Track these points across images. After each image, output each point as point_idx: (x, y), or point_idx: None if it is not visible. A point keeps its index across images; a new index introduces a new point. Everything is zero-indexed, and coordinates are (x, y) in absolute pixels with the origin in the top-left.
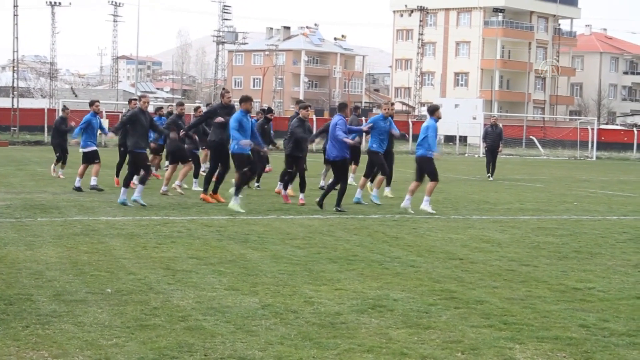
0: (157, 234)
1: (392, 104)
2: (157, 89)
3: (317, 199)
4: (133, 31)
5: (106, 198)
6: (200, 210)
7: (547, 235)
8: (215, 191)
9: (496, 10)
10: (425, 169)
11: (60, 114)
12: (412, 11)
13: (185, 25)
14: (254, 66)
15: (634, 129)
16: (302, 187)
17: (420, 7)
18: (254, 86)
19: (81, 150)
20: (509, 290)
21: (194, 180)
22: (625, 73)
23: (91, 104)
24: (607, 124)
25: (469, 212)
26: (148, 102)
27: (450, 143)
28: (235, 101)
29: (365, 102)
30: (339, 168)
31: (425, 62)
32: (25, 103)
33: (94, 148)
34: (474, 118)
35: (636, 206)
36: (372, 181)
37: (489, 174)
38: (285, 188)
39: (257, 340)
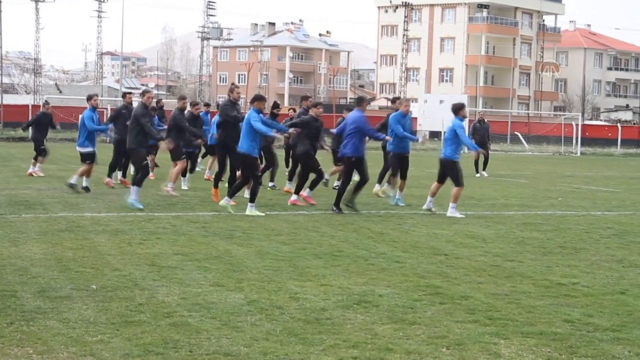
0: (142, 230)
1: (408, 100)
2: (142, 85)
3: (346, 203)
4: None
5: (91, 194)
6: (186, 207)
7: (531, 230)
8: (215, 186)
9: (480, 6)
10: (449, 172)
11: (41, 109)
12: (396, 7)
13: (169, 21)
14: (238, 62)
15: (618, 124)
16: (302, 186)
17: (405, 3)
18: (238, 82)
19: (80, 150)
20: (494, 285)
21: (182, 178)
22: (609, 69)
23: (89, 98)
24: (591, 119)
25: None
26: (152, 98)
27: (435, 139)
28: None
29: (350, 98)
30: (355, 166)
31: (410, 58)
32: (10, 99)
33: (91, 150)
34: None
35: (620, 202)
36: (379, 182)
37: (478, 172)
38: (299, 189)
39: (243, 336)
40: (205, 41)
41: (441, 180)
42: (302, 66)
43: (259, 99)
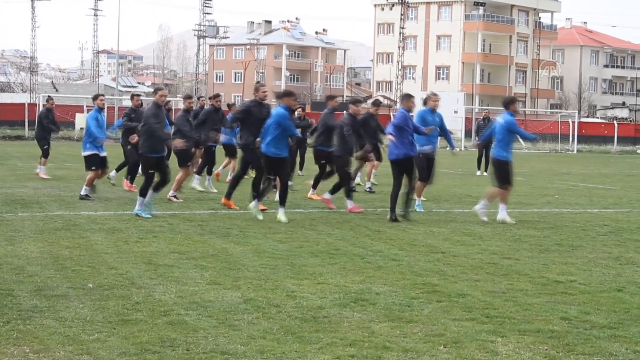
0: (138, 229)
1: (436, 94)
2: (139, 83)
3: (400, 212)
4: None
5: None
6: (182, 205)
7: (528, 228)
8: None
9: (477, 3)
10: (496, 172)
11: (46, 105)
12: (393, 5)
13: (166, 20)
14: (235, 60)
15: (615, 122)
16: (337, 189)
17: (401, 0)
18: (235, 80)
19: (85, 154)
20: (491, 283)
21: (196, 176)
22: (606, 66)
23: (95, 97)
24: (587, 117)
25: (450, 206)
26: (165, 96)
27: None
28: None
29: (346, 96)
30: (405, 168)
31: (406, 56)
32: (6, 97)
33: (96, 152)
34: (456, 112)
35: (617, 199)
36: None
37: (480, 170)
38: (333, 192)
39: (240, 334)
40: (201, 39)
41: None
42: (299, 64)
43: (288, 94)
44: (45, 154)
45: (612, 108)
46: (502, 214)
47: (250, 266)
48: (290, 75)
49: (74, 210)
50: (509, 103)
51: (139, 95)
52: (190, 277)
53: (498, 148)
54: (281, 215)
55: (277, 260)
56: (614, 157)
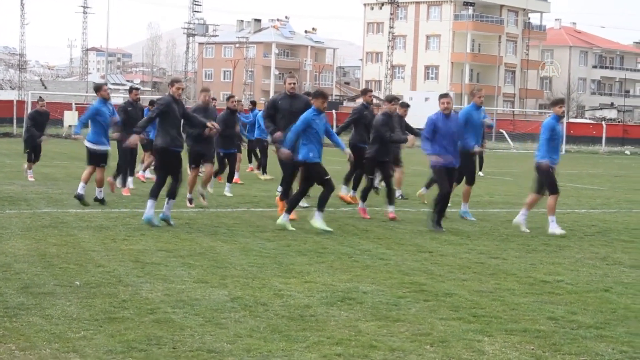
0: (126, 227)
1: (481, 89)
2: (127, 81)
3: (434, 221)
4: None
5: (75, 190)
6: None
7: (516, 228)
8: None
9: (466, 3)
10: (543, 178)
11: (36, 107)
12: (382, 4)
13: (155, 18)
14: (224, 59)
15: (603, 122)
16: (390, 197)
17: (391, 0)
18: (224, 79)
19: (89, 146)
20: (478, 282)
21: (228, 184)
22: (595, 67)
23: (97, 88)
24: (576, 117)
25: None
26: (182, 89)
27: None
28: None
29: (335, 95)
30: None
31: (395, 56)
32: None
33: (106, 148)
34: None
35: (604, 199)
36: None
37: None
38: (364, 199)
39: (226, 333)
40: (190, 37)
41: (539, 190)
42: (288, 63)
43: (316, 95)
44: (28, 158)
45: (601, 109)
46: (553, 226)
47: (237, 264)
48: (280, 73)
49: (62, 207)
50: (551, 104)
51: (137, 89)
52: (178, 275)
53: (543, 153)
54: (318, 221)
55: (264, 258)
56: (602, 158)
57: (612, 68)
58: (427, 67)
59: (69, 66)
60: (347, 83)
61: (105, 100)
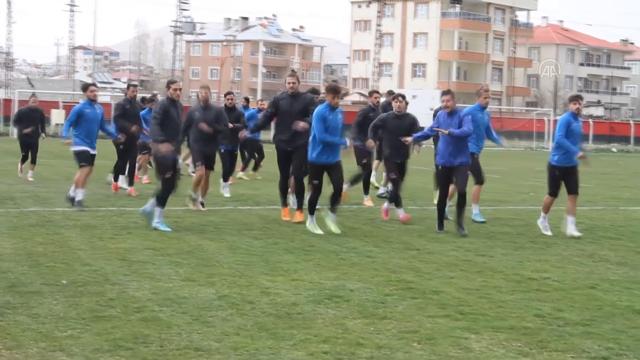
0: (113, 225)
1: (488, 90)
2: (115, 79)
3: (461, 230)
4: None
5: (62, 189)
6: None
7: (503, 225)
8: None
9: (453, 1)
10: (549, 179)
11: (29, 104)
12: (369, 2)
13: (142, 16)
14: (211, 57)
15: (590, 120)
16: (398, 200)
17: None
18: (211, 77)
19: (73, 149)
20: (465, 280)
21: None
22: (582, 64)
23: (84, 88)
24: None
25: (425, 203)
26: (181, 90)
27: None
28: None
29: (322, 93)
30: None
31: (383, 53)
32: None
33: (84, 148)
34: (432, 109)
35: (591, 197)
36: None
37: None
38: (397, 204)
39: (213, 331)
40: (178, 36)
41: (554, 192)
42: (275, 61)
43: (328, 90)
44: (23, 159)
45: (588, 106)
46: (571, 227)
47: (225, 263)
48: (267, 71)
49: (49, 206)
50: (568, 101)
51: (135, 86)
52: (165, 274)
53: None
54: (331, 223)
55: (251, 256)
56: (589, 155)
57: (599, 66)
58: (414, 65)
59: (56, 64)
60: (335, 81)
61: (91, 101)
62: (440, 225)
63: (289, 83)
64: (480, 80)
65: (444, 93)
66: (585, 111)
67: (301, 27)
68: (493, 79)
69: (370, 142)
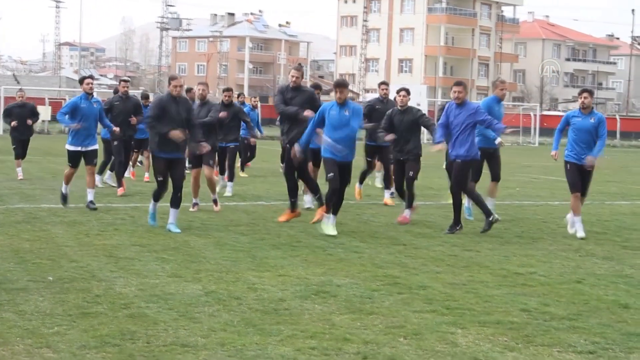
0: (100, 221)
1: (504, 81)
2: (101, 75)
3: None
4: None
5: (48, 185)
6: (144, 198)
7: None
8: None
9: None
10: (587, 179)
11: (17, 100)
12: None
13: (129, 12)
14: (198, 53)
15: None
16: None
17: None
18: (198, 72)
19: (67, 147)
20: (452, 275)
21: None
22: (568, 60)
23: (80, 81)
24: (549, 110)
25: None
26: (182, 87)
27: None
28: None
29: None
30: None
31: (369, 49)
32: None
33: (75, 149)
34: (418, 104)
35: None
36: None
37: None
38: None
39: (200, 327)
40: (164, 32)
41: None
42: (262, 57)
43: (335, 85)
44: (16, 155)
45: (574, 101)
46: (580, 227)
47: (211, 259)
48: (254, 67)
49: (35, 203)
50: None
51: (127, 81)
52: (151, 270)
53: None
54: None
55: (238, 252)
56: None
57: (584, 61)
58: (401, 60)
59: (42, 61)
60: (322, 77)
61: (87, 94)
62: (453, 224)
63: (292, 76)
64: (466, 75)
65: (456, 84)
66: (571, 106)
67: (287, 22)
68: (479, 74)
69: (390, 136)
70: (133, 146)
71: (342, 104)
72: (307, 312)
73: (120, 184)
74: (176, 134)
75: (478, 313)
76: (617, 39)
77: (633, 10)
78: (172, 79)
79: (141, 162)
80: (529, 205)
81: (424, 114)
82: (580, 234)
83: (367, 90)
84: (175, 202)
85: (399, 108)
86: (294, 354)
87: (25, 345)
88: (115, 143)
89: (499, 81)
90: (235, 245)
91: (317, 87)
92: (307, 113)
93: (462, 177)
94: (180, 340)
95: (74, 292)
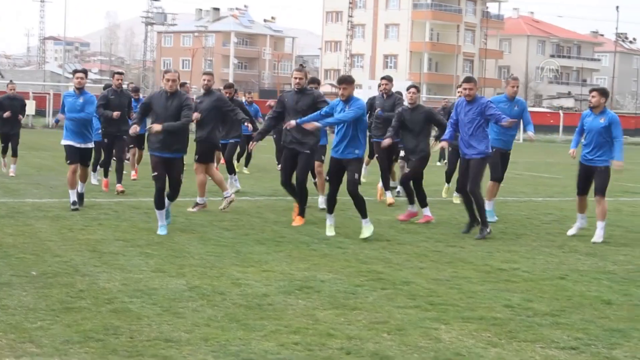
0: (83, 216)
1: (516, 78)
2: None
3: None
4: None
5: (32, 180)
6: (128, 192)
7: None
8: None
9: None
10: (597, 180)
11: (7, 92)
12: None
13: (113, 7)
14: (183, 47)
15: (560, 111)
16: (422, 199)
17: None
18: (183, 67)
19: (62, 142)
20: (436, 271)
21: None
22: (552, 56)
23: (73, 74)
24: (533, 106)
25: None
26: (174, 81)
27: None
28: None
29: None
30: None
31: (354, 45)
32: None
33: (69, 142)
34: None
35: (561, 188)
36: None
37: (440, 160)
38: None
39: (184, 322)
40: (149, 26)
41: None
42: (247, 52)
43: (338, 82)
44: (3, 150)
45: (558, 98)
46: (601, 233)
47: (195, 254)
48: (239, 62)
49: (18, 197)
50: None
51: (120, 74)
52: (135, 265)
53: (602, 151)
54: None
55: (222, 247)
56: (559, 146)
57: (569, 57)
58: (386, 56)
59: (26, 55)
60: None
61: (77, 89)
62: (468, 226)
63: (295, 78)
64: (451, 71)
65: (466, 80)
66: (555, 102)
67: (273, 18)
68: (464, 70)
69: (385, 141)
70: (127, 142)
71: (346, 100)
72: (291, 308)
73: (106, 175)
74: (152, 127)
75: (461, 309)
76: (602, 35)
77: (617, 7)
78: (165, 72)
79: (128, 159)
80: (512, 202)
81: (433, 112)
82: (571, 231)
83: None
84: (171, 197)
85: (409, 106)
86: (277, 349)
87: (8, 340)
88: (106, 141)
89: (511, 78)
90: (220, 240)
91: (315, 81)
92: (291, 124)
93: (478, 176)
94: (163, 335)
95: (58, 287)
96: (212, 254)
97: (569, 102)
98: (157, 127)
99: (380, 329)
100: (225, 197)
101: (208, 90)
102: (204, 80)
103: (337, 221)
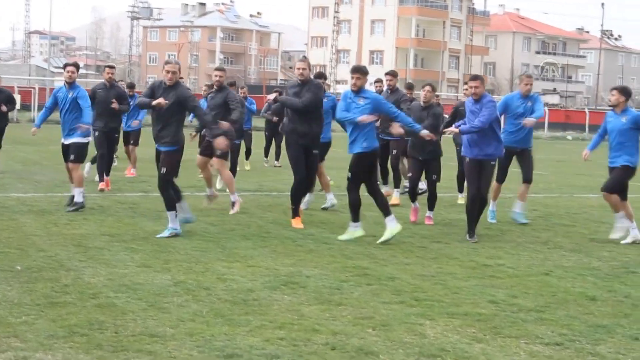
0: (69, 211)
1: (530, 76)
2: None
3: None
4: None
5: (18, 174)
6: (114, 187)
7: (459, 212)
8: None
9: None
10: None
11: None
12: None
13: (99, 1)
14: (169, 42)
15: (545, 108)
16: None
17: None
18: None
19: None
20: (421, 266)
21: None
22: (538, 53)
23: (64, 67)
24: None
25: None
26: (174, 73)
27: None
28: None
29: (280, 80)
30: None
31: (340, 40)
32: None
33: (62, 140)
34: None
35: (546, 184)
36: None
37: None
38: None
39: (169, 317)
40: (135, 21)
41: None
42: (233, 47)
43: (351, 71)
44: None
45: (544, 94)
46: (635, 232)
47: (180, 249)
48: (225, 58)
49: (3, 191)
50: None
51: (112, 67)
52: (120, 260)
53: (629, 152)
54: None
55: (208, 243)
56: (544, 143)
57: (554, 54)
58: (372, 52)
59: (11, 49)
60: (292, 67)
61: (66, 83)
62: (470, 231)
63: (298, 69)
64: (437, 67)
65: (473, 79)
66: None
67: (259, 13)
68: (450, 67)
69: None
70: (117, 139)
71: (357, 91)
72: (276, 303)
73: (102, 179)
74: (158, 102)
75: (446, 304)
76: (587, 32)
77: (603, 4)
78: (165, 63)
79: (117, 156)
80: (498, 198)
81: (442, 115)
82: (614, 235)
83: (338, 82)
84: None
85: (422, 104)
86: (262, 344)
87: None
88: (97, 134)
89: (524, 75)
90: (205, 235)
91: (322, 76)
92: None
93: (490, 179)
94: (148, 330)
95: (42, 282)
96: (198, 249)
97: (554, 99)
98: (162, 100)
99: (366, 324)
100: (232, 202)
101: (220, 87)
102: (216, 76)
103: (323, 217)
